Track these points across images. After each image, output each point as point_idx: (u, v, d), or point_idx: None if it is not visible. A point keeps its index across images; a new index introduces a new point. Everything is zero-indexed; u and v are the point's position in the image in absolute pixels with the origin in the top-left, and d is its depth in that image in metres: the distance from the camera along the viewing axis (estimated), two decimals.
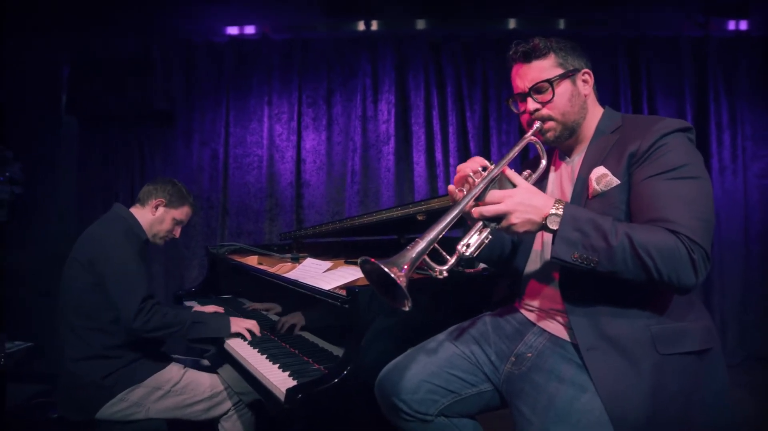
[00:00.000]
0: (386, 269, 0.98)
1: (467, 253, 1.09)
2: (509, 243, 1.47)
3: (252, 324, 1.96)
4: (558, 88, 1.29)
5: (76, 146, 4.24)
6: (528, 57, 1.31)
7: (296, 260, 2.41)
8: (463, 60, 4.02)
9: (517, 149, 1.27)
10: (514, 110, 1.41)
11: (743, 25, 3.94)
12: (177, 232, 2.19)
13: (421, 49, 4.05)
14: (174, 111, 4.16)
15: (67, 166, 4.25)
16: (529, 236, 1.37)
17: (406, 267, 0.99)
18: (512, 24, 3.92)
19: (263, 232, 4.13)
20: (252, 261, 2.82)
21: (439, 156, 4.04)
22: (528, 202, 1.09)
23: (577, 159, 1.34)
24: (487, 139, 4.06)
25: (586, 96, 1.33)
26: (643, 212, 1.13)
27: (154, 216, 2.09)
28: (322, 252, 2.79)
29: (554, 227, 1.08)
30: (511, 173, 1.17)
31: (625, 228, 1.06)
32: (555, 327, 1.28)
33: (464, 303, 1.64)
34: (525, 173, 1.27)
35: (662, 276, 1.04)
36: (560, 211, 1.09)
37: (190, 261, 4.12)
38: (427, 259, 1.06)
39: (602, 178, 1.20)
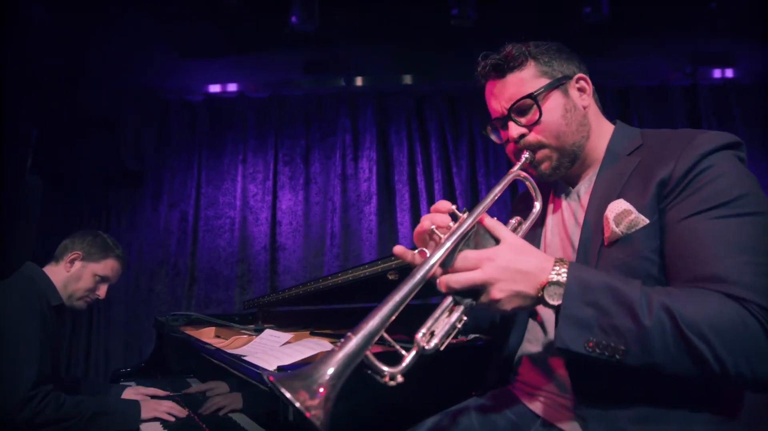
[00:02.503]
0: (289, 395, 0.63)
1: (430, 347, 0.75)
2: None
3: (169, 407, 1.67)
4: (546, 104, 1.00)
5: (38, 206, 3.96)
6: (500, 70, 1.03)
7: (260, 332, 2.06)
8: (448, 113, 3.86)
9: (498, 190, 0.95)
10: (495, 140, 1.12)
11: (730, 73, 3.86)
12: (101, 292, 1.86)
13: (403, 104, 3.90)
14: (144, 171, 3.93)
15: (28, 227, 3.96)
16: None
17: (322, 391, 0.64)
18: None
19: (234, 302, 3.75)
20: (209, 333, 2.44)
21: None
22: (515, 265, 0.78)
23: (584, 190, 1.04)
24: (476, 195, 3.81)
25: (585, 108, 1.04)
26: (685, 267, 0.81)
27: (69, 272, 1.76)
28: (292, 322, 2.45)
29: (555, 302, 0.77)
30: (492, 223, 0.85)
31: (662, 298, 0.74)
32: (566, 421, 0.92)
33: (446, 385, 1.28)
34: (513, 221, 0.97)
35: (726, 368, 0.71)
36: (563, 277, 0.77)
37: (151, 333, 3.69)
38: (371, 358, 0.72)
39: (624, 216, 0.88)
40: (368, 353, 0.71)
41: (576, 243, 0.98)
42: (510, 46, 1.03)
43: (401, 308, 0.75)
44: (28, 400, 1.41)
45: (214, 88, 4.06)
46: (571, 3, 3.28)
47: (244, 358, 1.44)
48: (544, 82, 1.01)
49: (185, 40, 3.84)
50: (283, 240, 3.85)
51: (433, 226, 0.86)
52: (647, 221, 0.87)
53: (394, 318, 0.75)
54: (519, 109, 1.02)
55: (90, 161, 3.88)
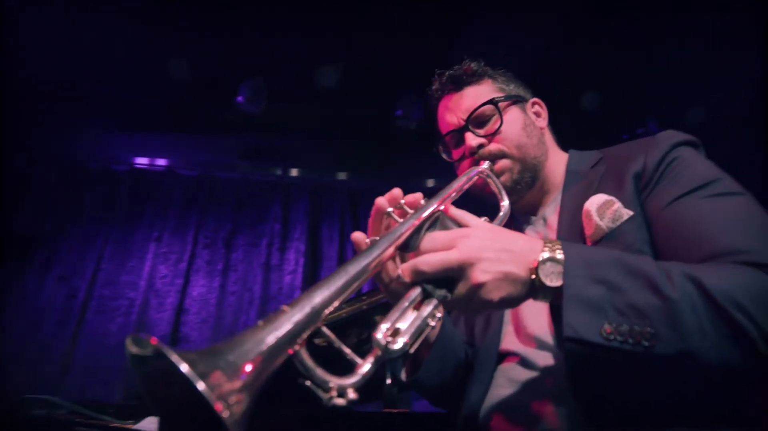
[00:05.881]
0: (184, 371, 0.41)
1: (396, 347, 0.55)
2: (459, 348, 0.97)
3: None
4: (507, 114, 0.98)
5: None
6: (458, 82, 1.02)
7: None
8: None
9: (463, 181, 0.87)
10: (446, 158, 1.06)
11: None
12: None
13: (338, 199, 3.86)
14: (39, 236, 3.45)
15: None
16: (496, 313, 0.92)
17: (249, 368, 0.45)
18: (431, 183, 3.89)
19: (115, 398, 3.13)
20: None
21: None
22: (499, 243, 0.64)
23: (551, 211, 0.97)
24: None
25: (542, 129, 1.04)
26: (687, 248, 0.72)
27: None
28: None
29: (554, 283, 0.62)
30: (458, 212, 0.73)
31: (681, 268, 0.63)
32: None
33: None
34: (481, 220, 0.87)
35: None
36: (559, 254, 0.63)
37: None
38: (307, 361, 0.50)
39: (606, 207, 0.81)
40: (303, 354, 0.50)
41: None
42: (468, 62, 1.03)
43: (342, 297, 0.56)
44: None
45: (141, 161, 3.83)
46: None
47: None
48: (503, 95, 1.01)
49: (124, 112, 3.67)
50: (188, 331, 3.40)
51: (390, 209, 0.73)
52: (631, 212, 0.80)
53: (332, 309, 0.56)
54: (478, 119, 0.98)
55: None
